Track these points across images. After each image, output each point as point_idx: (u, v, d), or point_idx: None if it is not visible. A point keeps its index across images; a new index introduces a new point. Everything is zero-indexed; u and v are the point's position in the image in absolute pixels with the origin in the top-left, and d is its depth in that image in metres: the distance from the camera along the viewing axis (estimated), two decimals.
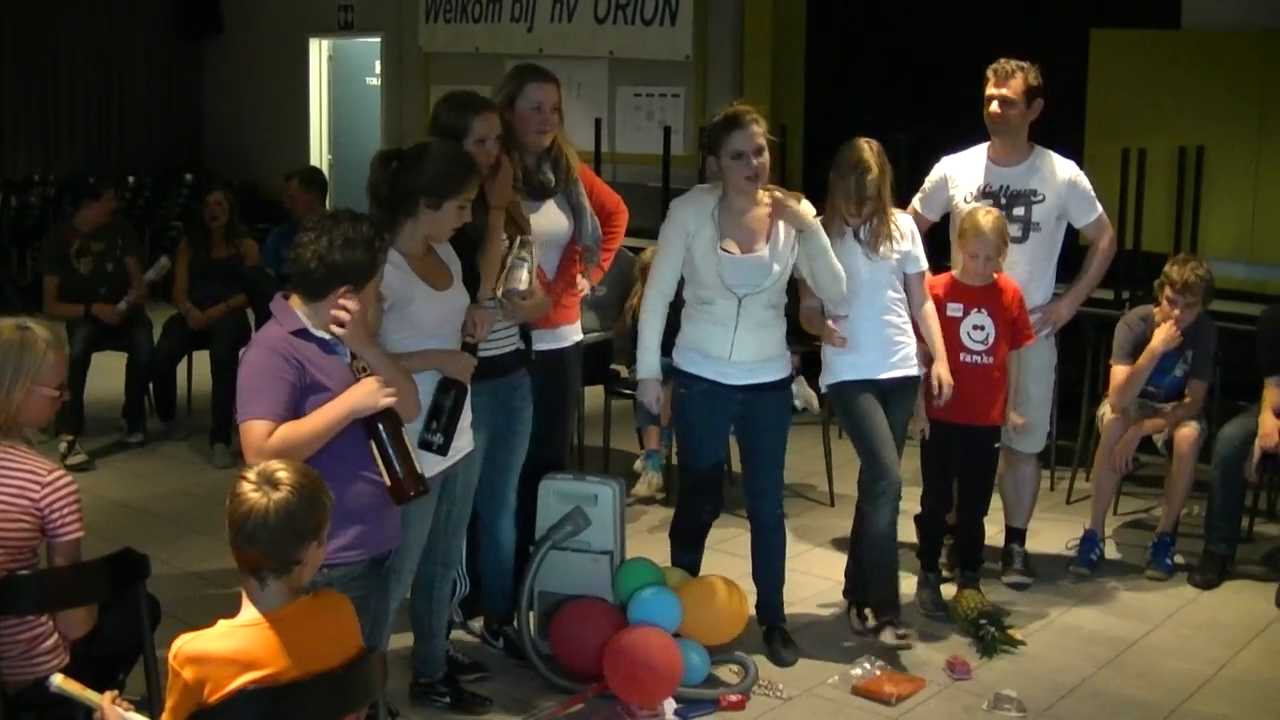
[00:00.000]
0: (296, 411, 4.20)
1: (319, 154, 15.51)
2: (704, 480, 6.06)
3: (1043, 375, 6.79)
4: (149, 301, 9.61)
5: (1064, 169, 6.69)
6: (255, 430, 4.14)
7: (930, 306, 6.19)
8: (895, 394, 6.09)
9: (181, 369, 9.70)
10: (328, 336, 4.34)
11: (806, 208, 5.83)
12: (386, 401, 4.32)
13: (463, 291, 5.13)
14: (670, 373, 5.97)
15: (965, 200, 6.67)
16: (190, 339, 9.46)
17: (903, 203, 6.40)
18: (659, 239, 5.94)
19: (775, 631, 6.12)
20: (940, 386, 6.13)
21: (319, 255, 4.27)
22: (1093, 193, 6.74)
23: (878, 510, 6.05)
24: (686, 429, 6.04)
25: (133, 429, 9.31)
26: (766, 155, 5.69)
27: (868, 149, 5.92)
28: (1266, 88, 9.17)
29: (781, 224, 5.77)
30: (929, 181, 6.80)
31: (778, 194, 5.72)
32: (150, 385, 9.55)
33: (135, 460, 9.01)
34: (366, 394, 4.29)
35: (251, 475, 3.53)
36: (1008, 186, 6.64)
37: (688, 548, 6.19)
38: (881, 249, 5.98)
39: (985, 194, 6.65)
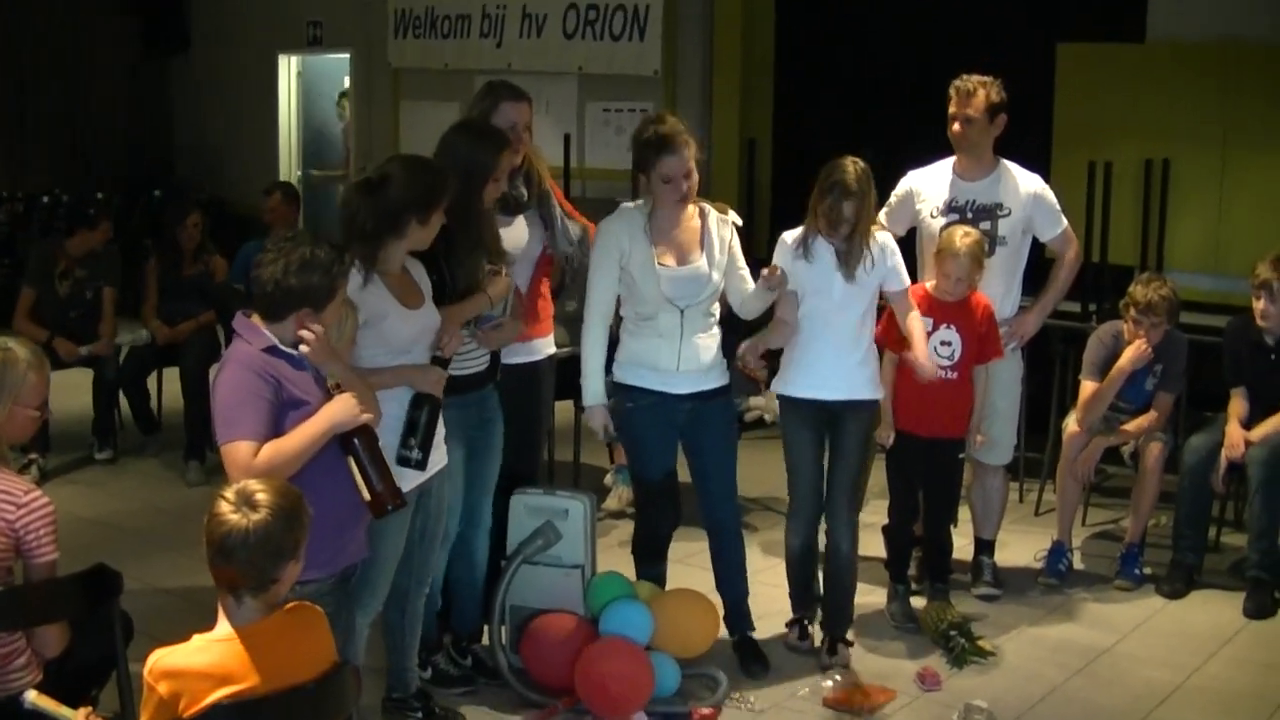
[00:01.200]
0: (276, 429, 4.21)
1: (288, 170, 15.48)
2: (658, 491, 6.07)
3: (1009, 388, 6.82)
4: (119, 319, 9.56)
5: (1029, 182, 6.72)
6: (241, 451, 4.14)
7: (916, 314, 6.16)
8: (849, 413, 6.03)
9: (152, 386, 9.65)
10: (296, 353, 4.35)
11: (734, 218, 5.96)
12: (365, 417, 4.34)
13: (434, 310, 5.15)
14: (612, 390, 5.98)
15: (931, 215, 6.69)
16: (159, 355, 9.44)
17: None
18: (591, 261, 5.93)
19: (745, 642, 6.14)
20: (919, 366, 6.09)
21: (275, 279, 4.28)
22: (1058, 206, 6.78)
23: (787, 531, 6.25)
24: (636, 442, 6.06)
25: (102, 445, 9.29)
26: (695, 175, 5.72)
27: (851, 170, 5.86)
28: (1231, 100, 9.23)
29: (714, 231, 5.84)
30: (895, 196, 6.81)
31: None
32: (122, 401, 9.51)
33: (106, 477, 8.98)
34: (345, 409, 4.30)
35: (230, 494, 3.54)
36: (973, 201, 6.66)
37: (651, 562, 6.21)
38: (857, 271, 5.94)
39: (951, 209, 6.67)
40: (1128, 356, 6.99)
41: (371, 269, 4.89)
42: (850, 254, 5.92)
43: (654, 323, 5.83)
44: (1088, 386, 7.20)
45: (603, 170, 12.29)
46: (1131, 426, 7.15)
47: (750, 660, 6.07)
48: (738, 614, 6.17)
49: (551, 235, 6.02)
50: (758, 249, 11.34)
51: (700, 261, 5.82)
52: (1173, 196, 9.45)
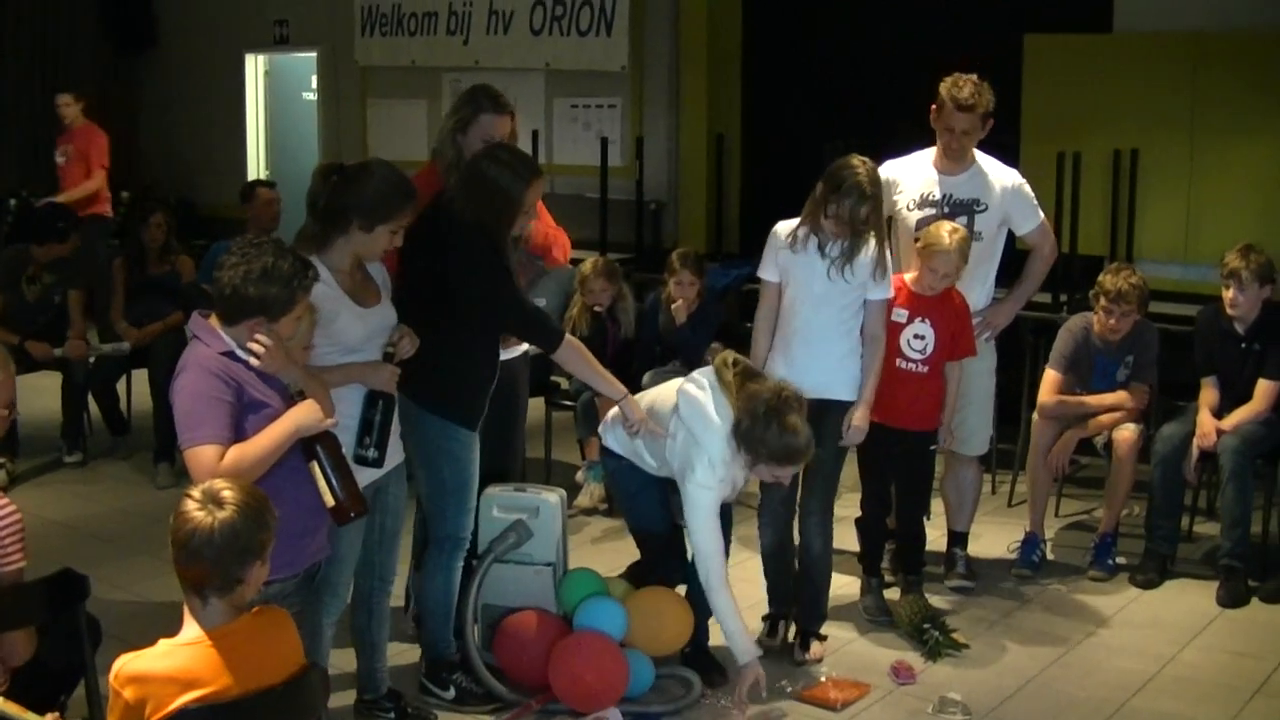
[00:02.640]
0: (237, 431, 4.18)
1: (256, 170, 15.42)
2: (665, 544, 5.95)
3: (983, 379, 6.81)
4: (88, 320, 9.52)
5: (1006, 177, 6.71)
6: (205, 456, 4.10)
7: (881, 338, 6.09)
8: (822, 412, 5.93)
9: (121, 388, 9.60)
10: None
11: None
12: (329, 422, 4.31)
13: (389, 308, 5.12)
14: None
15: (909, 207, 6.67)
16: (128, 358, 9.38)
17: None
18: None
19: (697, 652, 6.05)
20: (849, 427, 6.04)
21: (233, 284, 4.25)
22: (1035, 200, 6.78)
23: (759, 528, 6.28)
24: (632, 498, 5.99)
25: (71, 449, 9.24)
26: None
27: (864, 172, 5.85)
28: (1198, 89, 9.24)
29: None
30: None
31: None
32: (91, 404, 9.46)
33: (75, 480, 8.93)
34: (310, 414, 4.28)
35: (196, 494, 3.53)
36: (951, 195, 6.65)
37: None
38: (845, 272, 5.92)
39: (928, 202, 6.65)
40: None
41: (317, 250, 4.85)
42: (843, 254, 5.90)
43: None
44: (1051, 375, 7.22)
45: (571, 166, 12.27)
46: (1105, 419, 7.15)
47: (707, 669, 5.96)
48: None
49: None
50: (728, 244, 11.43)
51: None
52: (1141, 187, 9.47)
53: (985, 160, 6.72)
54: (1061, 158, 9.21)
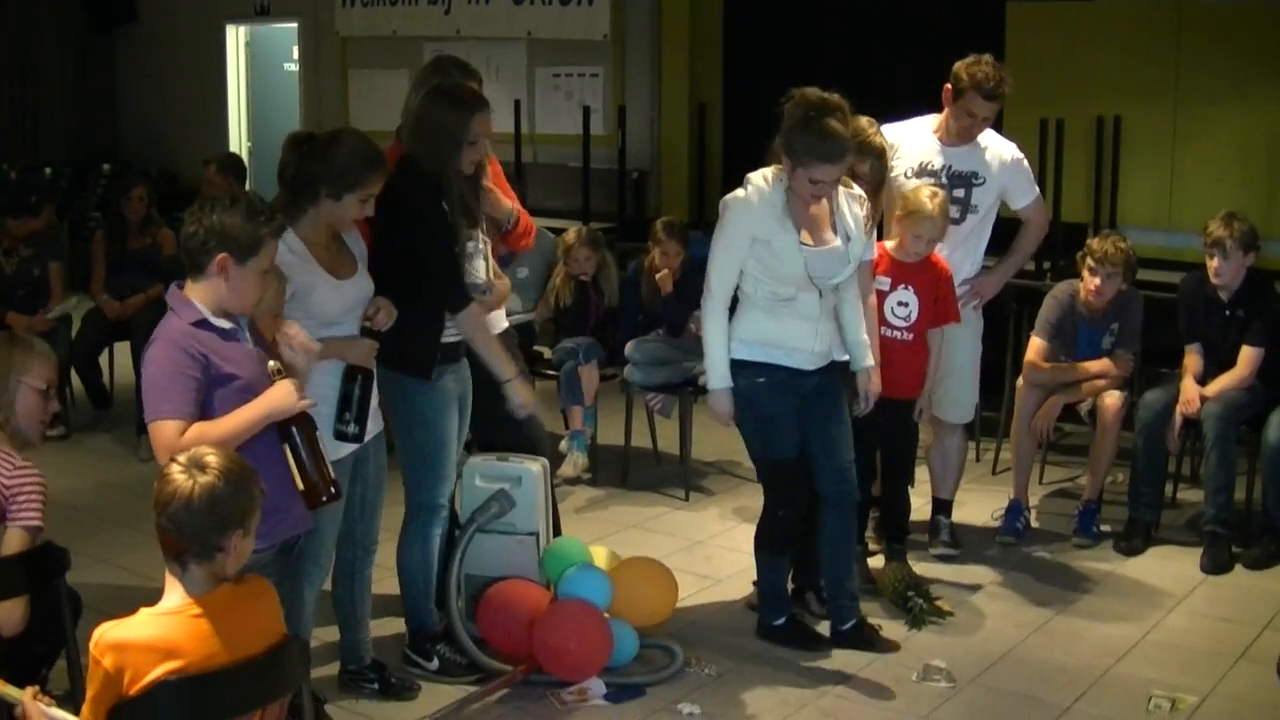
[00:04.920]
0: (205, 406, 4.16)
1: (238, 141, 15.37)
2: (796, 470, 5.82)
3: (969, 346, 6.81)
4: (67, 293, 9.48)
5: (1006, 151, 6.69)
6: (166, 431, 4.08)
7: (872, 300, 6.12)
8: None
9: (104, 362, 9.57)
10: (227, 325, 4.29)
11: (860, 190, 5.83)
12: (303, 405, 4.29)
13: (367, 279, 5.09)
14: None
15: (906, 175, 6.63)
16: (110, 331, 9.37)
17: None
18: (716, 241, 5.71)
19: (858, 627, 5.97)
20: (868, 395, 5.99)
21: (197, 220, 4.23)
22: (1031, 174, 6.77)
23: None
24: (768, 421, 5.78)
25: (53, 422, 9.18)
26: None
27: (872, 130, 5.97)
28: (1181, 57, 9.24)
29: (845, 207, 5.70)
30: None
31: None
32: (75, 378, 9.43)
33: (58, 454, 8.86)
34: (283, 397, 4.24)
35: (182, 459, 3.52)
36: (950, 167, 6.62)
37: (786, 550, 5.97)
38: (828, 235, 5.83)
39: (926, 171, 6.62)
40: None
41: (288, 220, 4.79)
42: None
43: (793, 304, 5.65)
44: (1036, 343, 7.22)
45: (553, 136, 12.25)
46: (1089, 386, 7.15)
47: (864, 642, 5.91)
48: (843, 598, 5.97)
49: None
50: (710, 213, 11.31)
51: (837, 241, 5.66)
52: (1124, 153, 9.47)
53: (986, 133, 6.68)
54: (1044, 125, 9.20)
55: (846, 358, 5.89)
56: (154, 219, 9.52)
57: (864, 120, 5.91)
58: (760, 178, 5.62)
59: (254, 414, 4.19)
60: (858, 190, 5.79)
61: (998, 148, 6.69)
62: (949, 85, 6.53)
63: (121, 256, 9.39)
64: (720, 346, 5.67)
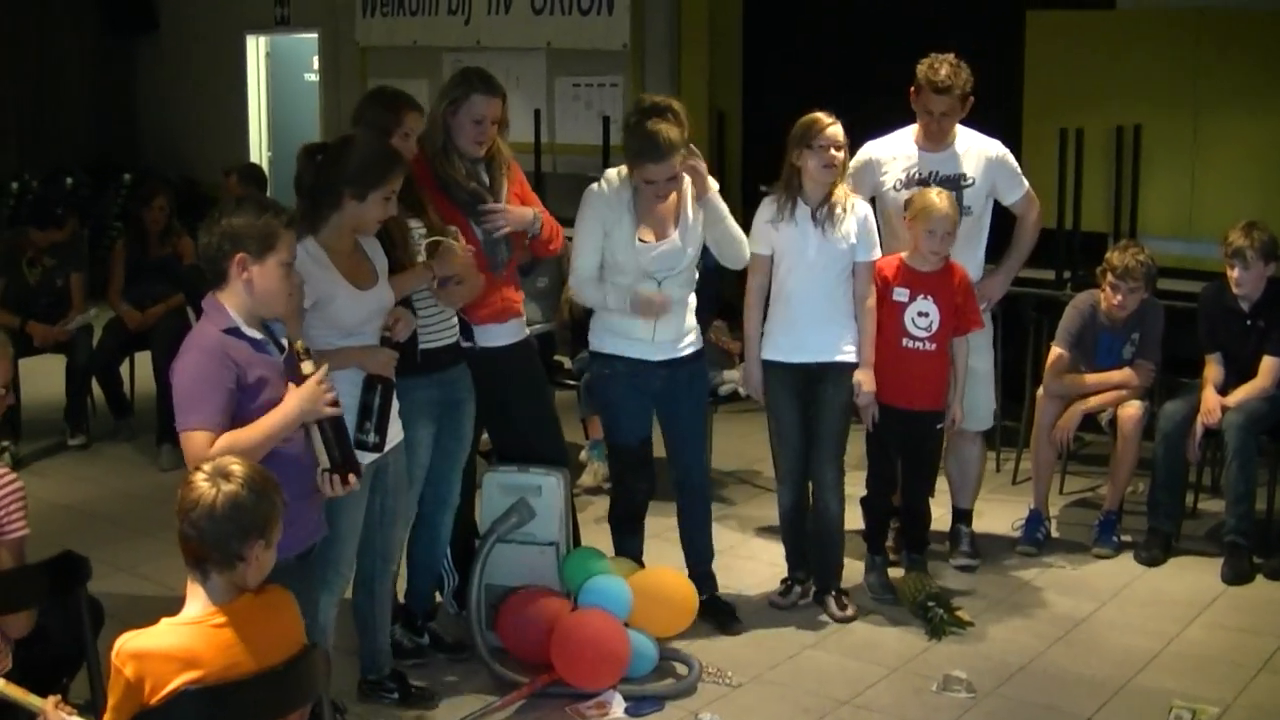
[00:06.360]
0: (237, 414, 4.17)
1: (258, 151, 15.41)
2: (634, 459, 6.16)
3: (983, 352, 6.79)
4: (89, 303, 9.51)
5: (989, 148, 6.70)
6: (196, 441, 4.08)
7: (871, 303, 6.20)
8: (831, 376, 6.15)
9: (125, 371, 9.60)
10: (258, 336, 4.30)
11: (710, 184, 5.98)
12: (330, 411, 4.30)
13: (387, 289, 5.10)
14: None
15: (895, 188, 6.64)
16: (130, 340, 9.39)
17: None
18: (577, 228, 5.98)
19: (712, 602, 6.23)
20: (859, 390, 6.19)
21: (209, 230, 4.25)
22: (1018, 168, 6.77)
23: (779, 491, 6.43)
24: (611, 408, 6.19)
25: (74, 431, 9.23)
26: (680, 177, 5.81)
27: (827, 116, 6.06)
28: (1201, 66, 9.20)
29: (689, 205, 5.89)
30: (853, 165, 6.62)
31: (693, 162, 5.84)
32: (95, 387, 9.46)
33: (78, 463, 8.93)
34: (309, 401, 4.26)
35: (206, 468, 3.54)
36: (936, 173, 6.61)
37: (628, 532, 6.29)
38: (837, 232, 6.05)
39: (915, 181, 6.61)
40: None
41: (308, 230, 4.84)
42: (826, 214, 6.04)
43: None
44: (1057, 353, 7.20)
45: (572, 145, 12.25)
46: (1110, 395, 7.13)
47: (722, 617, 6.20)
48: (700, 576, 6.25)
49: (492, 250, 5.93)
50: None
51: (674, 236, 5.88)
52: (1144, 163, 9.43)
53: (966, 134, 6.69)
54: (1064, 134, 9.18)
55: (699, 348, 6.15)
56: (174, 228, 9.54)
57: (818, 113, 6.10)
58: (615, 173, 5.96)
59: (282, 420, 4.20)
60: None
61: (980, 146, 6.69)
62: (911, 88, 6.58)
63: (141, 265, 9.41)
64: (610, 297, 5.94)
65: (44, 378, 9.40)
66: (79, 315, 9.30)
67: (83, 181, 15.07)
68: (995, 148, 6.71)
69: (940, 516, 6.94)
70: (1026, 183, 6.81)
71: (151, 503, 7.88)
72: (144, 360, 9.38)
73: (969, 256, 6.67)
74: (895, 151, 6.71)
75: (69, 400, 9.28)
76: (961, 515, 7.04)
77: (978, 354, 6.70)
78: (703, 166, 5.88)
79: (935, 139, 6.61)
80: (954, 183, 6.58)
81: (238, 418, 4.17)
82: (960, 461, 6.99)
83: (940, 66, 6.48)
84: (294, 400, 4.25)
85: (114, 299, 9.38)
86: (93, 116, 16.25)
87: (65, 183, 14.79)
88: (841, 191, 6.11)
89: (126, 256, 9.46)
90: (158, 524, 7.23)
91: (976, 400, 6.78)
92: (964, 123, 6.69)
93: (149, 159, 16.03)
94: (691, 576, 6.21)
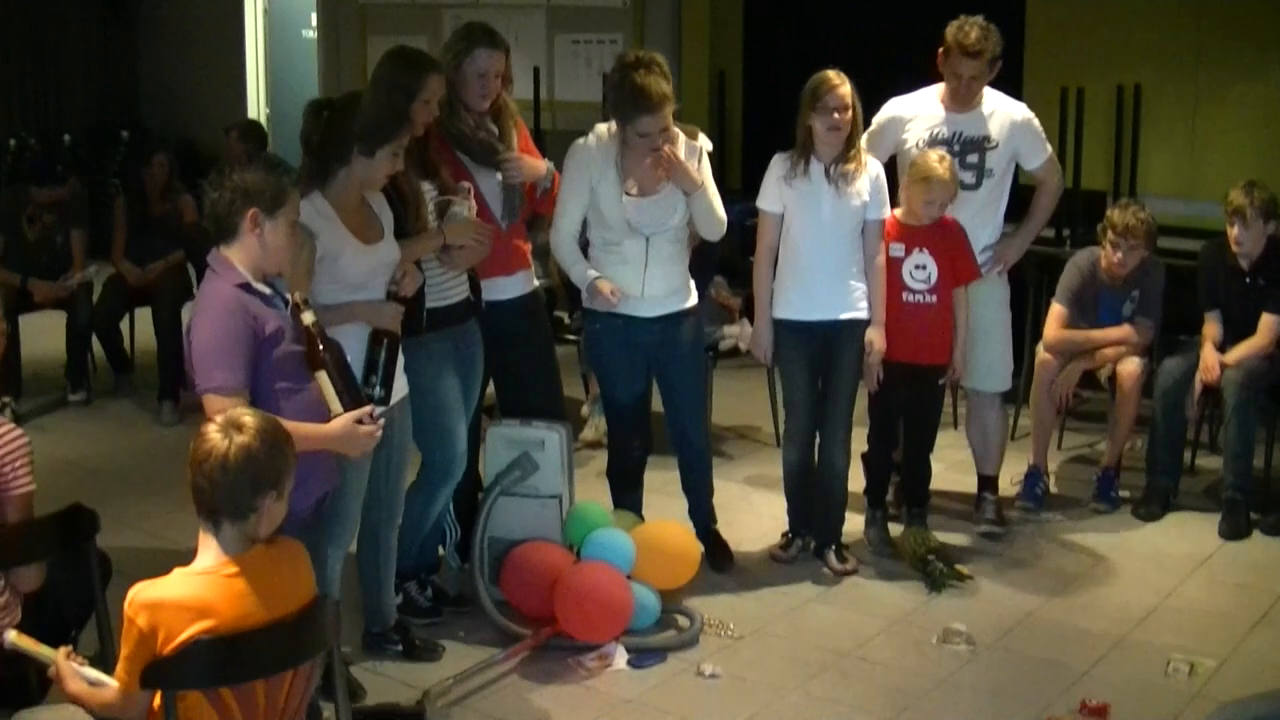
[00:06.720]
0: (259, 362, 4.19)
1: (256, 108, 15.35)
2: (629, 415, 6.23)
3: (997, 313, 6.78)
4: (88, 260, 9.51)
5: (1016, 111, 6.66)
6: (217, 405, 4.08)
7: (881, 261, 6.21)
8: (845, 333, 6.16)
9: (125, 328, 9.62)
10: (267, 291, 4.33)
11: (704, 143, 6.03)
12: (370, 445, 4.42)
13: (393, 245, 5.13)
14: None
15: (918, 146, 6.60)
16: (131, 297, 9.41)
17: None
18: (563, 181, 6.01)
19: (710, 535, 6.36)
20: (871, 349, 6.21)
21: (221, 185, 4.27)
22: (1043, 134, 6.75)
23: (784, 450, 6.45)
24: (604, 366, 6.29)
25: (75, 388, 9.25)
26: (671, 128, 5.82)
27: (835, 73, 6.06)
28: (1202, 25, 9.22)
29: (682, 159, 5.90)
30: (877, 122, 6.69)
31: (668, 150, 5.82)
32: (96, 344, 9.48)
33: (80, 419, 8.95)
34: (354, 440, 4.37)
35: (219, 419, 3.56)
36: (960, 134, 6.59)
37: (627, 488, 6.36)
38: (850, 189, 6.06)
39: (938, 140, 6.58)
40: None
41: (316, 186, 4.87)
42: (842, 172, 6.05)
43: (619, 249, 5.93)
44: (1057, 310, 7.22)
45: (572, 103, 12.22)
46: (1109, 352, 7.15)
47: (714, 553, 6.32)
48: (701, 509, 6.40)
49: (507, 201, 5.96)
50: (730, 180, 11.37)
51: (666, 190, 5.89)
52: (1145, 122, 9.45)
53: (993, 96, 6.66)
54: (1065, 94, 9.20)
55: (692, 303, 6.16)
56: (175, 186, 9.56)
57: (832, 74, 6.08)
58: (605, 128, 5.96)
59: (323, 436, 4.30)
60: (700, 143, 6.03)
61: (1006, 109, 6.65)
62: (940, 50, 6.53)
63: (142, 223, 9.41)
64: (575, 256, 6.03)
65: (44, 335, 9.41)
66: (80, 272, 9.31)
67: (80, 140, 15.04)
68: (1021, 111, 6.68)
69: (939, 471, 6.92)
70: (1050, 148, 6.79)
71: (154, 458, 7.92)
72: (144, 317, 9.40)
73: (988, 219, 6.68)
74: (920, 110, 6.68)
75: (69, 357, 9.29)
76: (987, 482, 7.00)
77: (990, 314, 6.70)
78: (681, 165, 5.87)
79: (962, 101, 6.57)
80: (978, 145, 6.56)
81: (259, 368, 4.20)
82: (982, 428, 6.95)
83: (970, 30, 6.42)
84: (337, 430, 4.32)
85: (117, 257, 9.38)
86: (91, 75, 16.18)
87: (64, 141, 14.76)
88: (855, 150, 6.10)
89: (127, 214, 9.46)
90: (161, 479, 7.30)
91: (994, 361, 6.78)
92: None
93: (147, 117, 15.99)
94: (691, 512, 6.37)
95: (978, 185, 6.59)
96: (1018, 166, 6.78)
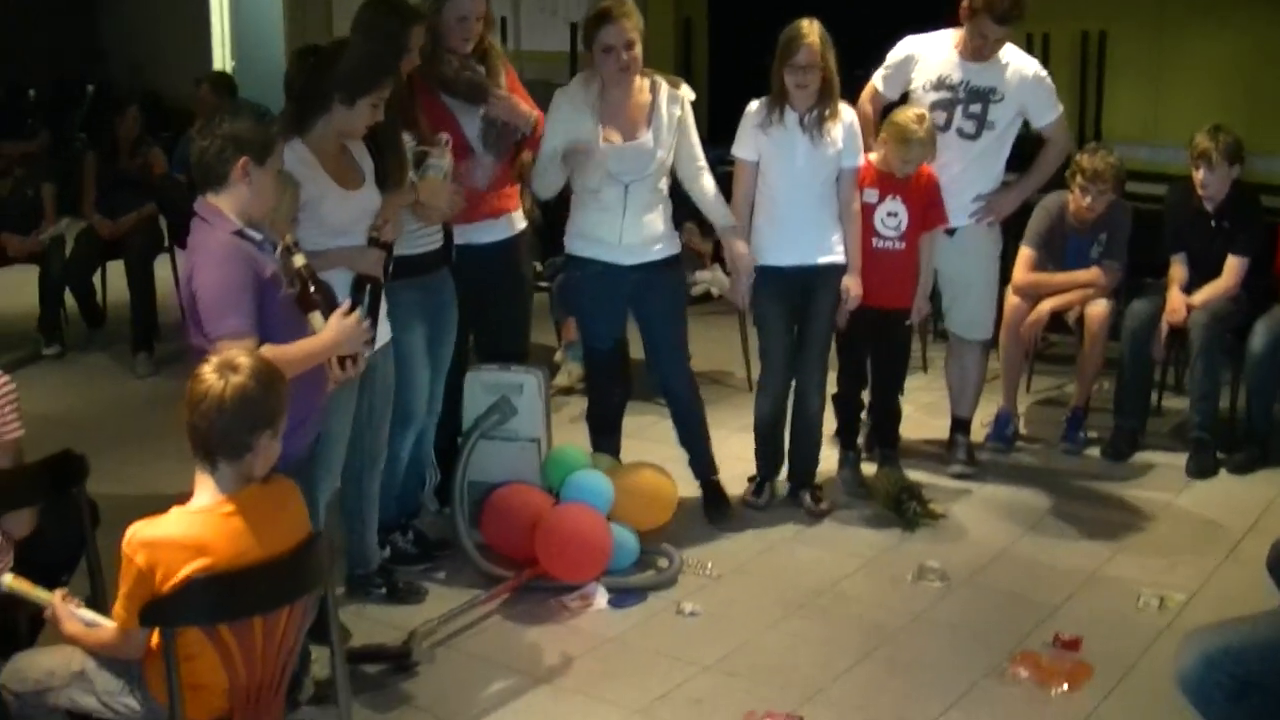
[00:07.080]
0: (261, 307, 4.21)
1: (222, 60, 15.31)
2: (608, 361, 6.31)
3: (985, 264, 6.84)
4: (58, 215, 9.51)
5: (1028, 67, 6.66)
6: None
7: (856, 208, 6.27)
8: (821, 278, 6.23)
9: (97, 281, 9.62)
10: (258, 236, 4.36)
11: (686, 92, 6.10)
12: (367, 350, 4.49)
13: (374, 191, 5.15)
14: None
15: (924, 88, 6.62)
16: (103, 250, 9.41)
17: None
18: (545, 127, 6.02)
19: (709, 486, 6.43)
20: (847, 296, 6.27)
21: (209, 134, 4.28)
22: (1054, 93, 6.73)
23: (758, 396, 6.49)
24: (584, 311, 6.36)
25: (49, 342, 9.26)
26: (638, 48, 5.83)
27: (807, 24, 6.05)
28: None
29: (664, 108, 5.96)
30: (893, 58, 6.71)
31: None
32: (69, 298, 9.48)
33: (56, 373, 8.96)
34: (350, 336, 4.39)
35: (214, 360, 3.60)
36: (968, 82, 6.58)
37: (605, 433, 6.42)
38: (825, 137, 6.10)
39: (944, 85, 6.59)
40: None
41: (296, 132, 4.89)
42: (816, 120, 6.09)
43: (599, 196, 5.96)
44: (1026, 253, 7.28)
45: (539, 53, 12.23)
46: (1077, 294, 7.23)
47: (713, 505, 6.38)
48: (701, 462, 6.44)
49: (499, 137, 5.99)
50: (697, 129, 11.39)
51: (646, 137, 5.93)
52: (1109, 68, 9.52)
53: (1008, 49, 6.63)
54: (1030, 39, 9.22)
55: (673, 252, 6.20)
56: (145, 139, 9.55)
57: (804, 22, 6.07)
58: (583, 75, 6.07)
59: (321, 346, 4.34)
60: (682, 93, 6.08)
61: (1019, 64, 6.63)
62: (965, 3, 6.47)
63: (113, 177, 9.41)
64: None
65: (16, 290, 9.41)
66: (51, 226, 9.31)
67: (44, 94, 14.97)
68: (1034, 67, 6.68)
69: (909, 413, 7.00)
70: (1060, 108, 6.78)
71: (130, 410, 7.94)
72: (116, 270, 9.41)
73: (986, 169, 6.70)
74: (933, 52, 6.67)
75: (43, 310, 9.30)
76: (960, 424, 7.10)
77: (979, 265, 6.79)
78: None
79: (979, 56, 6.56)
80: (983, 96, 6.56)
81: (266, 309, 4.23)
82: (960, 369, 7.03)
83: None
84: (331, 333, 4.34)
85: (87, 209, 9.37)
86: (54, 28, 16.10)
87: (28, 95, 14.69)
88: (830, 99, 6.11)
89: (98, 167, 9.45)
90: (138, 430, 7.32)
91: (976, 310, 6.87)
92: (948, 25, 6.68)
93: (113, 71, 15.92)
94: (691, 463, 6.44)
95: (977, 136, 6.61)
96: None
